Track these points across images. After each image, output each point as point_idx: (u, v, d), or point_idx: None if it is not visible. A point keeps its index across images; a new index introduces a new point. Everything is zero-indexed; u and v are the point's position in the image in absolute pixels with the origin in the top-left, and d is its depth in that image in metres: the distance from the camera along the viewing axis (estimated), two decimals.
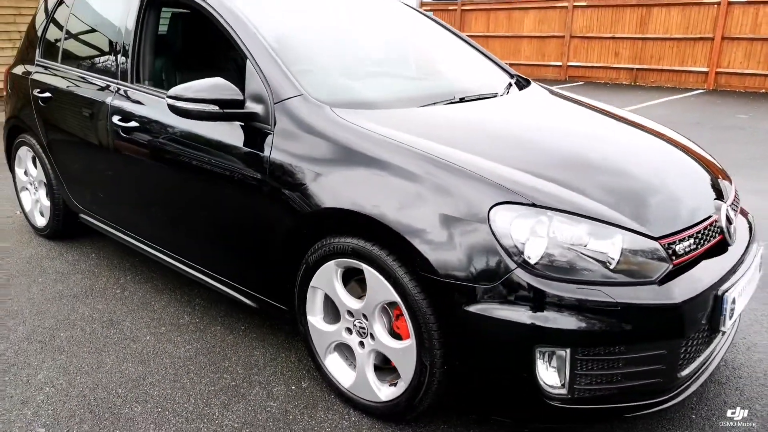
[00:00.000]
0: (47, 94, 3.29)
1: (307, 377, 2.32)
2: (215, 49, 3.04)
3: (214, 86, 2.17)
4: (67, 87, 3.18)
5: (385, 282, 1.87)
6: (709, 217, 1.95)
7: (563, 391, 1.72)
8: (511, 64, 14.32)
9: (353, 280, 2.09)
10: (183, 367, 2.39)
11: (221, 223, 2.42)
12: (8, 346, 2.55)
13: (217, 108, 2.16)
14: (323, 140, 2.05)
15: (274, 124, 2.16)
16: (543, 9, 14.60)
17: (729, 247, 2.00)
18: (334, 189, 1.98)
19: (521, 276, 1.66)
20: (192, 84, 2.17)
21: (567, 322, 1.64)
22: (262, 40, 2.30)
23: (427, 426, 2.03)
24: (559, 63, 14.45)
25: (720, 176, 2.30)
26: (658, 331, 1.71)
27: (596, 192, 1.84)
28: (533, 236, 1.69)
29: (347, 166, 1.98)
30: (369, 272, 1.91)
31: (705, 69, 12.35)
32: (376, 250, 1.87)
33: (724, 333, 1.96)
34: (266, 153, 2.15)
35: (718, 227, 1.97)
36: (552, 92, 2.96)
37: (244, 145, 2.23)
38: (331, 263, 2.02)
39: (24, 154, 3.69)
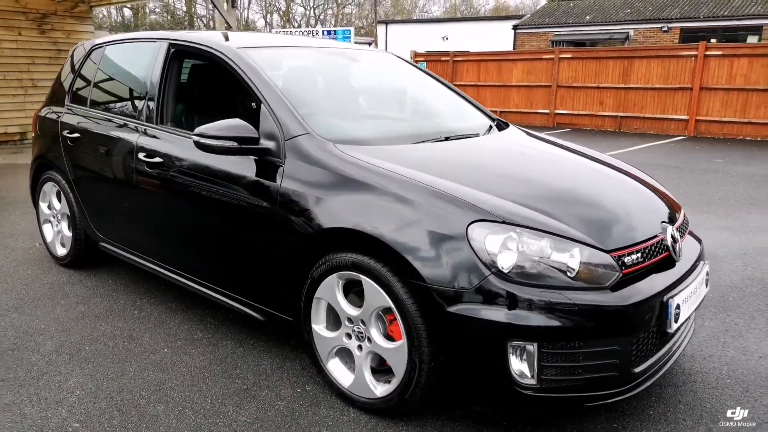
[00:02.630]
0: (76, 135, 3.66)
1: (311, 382, 2.60)
2: (229, 95, 3.43)
3: (233, 126, 2.53)
4: (95, 128, 3.55)
5: (381, 290, 2.18)
6: (656, 236, 2.29)
7: (533, 382, 2.01)
8: (501, 112, 14.99)
9: (351, 293, 2.40)
10: (199, 374, 2.67)
11: (236, 245, 2.74)
12: (39, 358, 2.82)
13: (236, 144, 2.52)
14: (326, 171, 2.40)
15: (285, 157, 2.51)
16: (530, 61, 15.32)
17: (676, 263, 2.33)
18: (336, 212, 2.32)
19: (494, 282, 1.98)
20: (215, 123, 2.53)
21: (533, 319, 1.95)
22: (275, 87, 2.68)
23: (416, 421, 2.31)
24: (547, 111, 15.08)
25: (671, 204, 2.65)
26: (610, 329, 2.02)
27: (559, 213, 2.17)
28: (504, 249, 2.02)
29: (347, 192, 2.32)
30: (366, 282, 2.23)
31: (685, 117, 12.95)
32: (373, 263, 2.19)
33: (672, 335, 2.27)
34: (278, 182, 2.50)
35: (664, 245, 2.31)
36: (528, 133, 3.34)
37: (257, 176, 2.57)
38: (334, 276, 2.34)
39: (49, 189, 4.03)
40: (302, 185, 2.44)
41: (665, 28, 22.08)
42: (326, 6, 53.98)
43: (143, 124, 3.22)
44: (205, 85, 3.51)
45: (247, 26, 54.08)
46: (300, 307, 2.52)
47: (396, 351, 2.20)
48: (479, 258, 2.01)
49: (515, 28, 25.42)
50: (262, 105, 2.65)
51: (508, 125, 3.42)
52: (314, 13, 53.67)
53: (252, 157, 2.62)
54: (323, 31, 33.98)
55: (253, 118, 2.68)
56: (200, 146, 2.56)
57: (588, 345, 2.00)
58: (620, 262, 2.10)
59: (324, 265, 2.36)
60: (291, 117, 2.57)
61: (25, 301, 3.50)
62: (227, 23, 9.08)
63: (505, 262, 2.01)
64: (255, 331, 3.07)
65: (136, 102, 3.35)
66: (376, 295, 2.21)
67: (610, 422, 2.30)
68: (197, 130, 2.55)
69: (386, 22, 34.21)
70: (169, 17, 47.77)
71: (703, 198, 6.54)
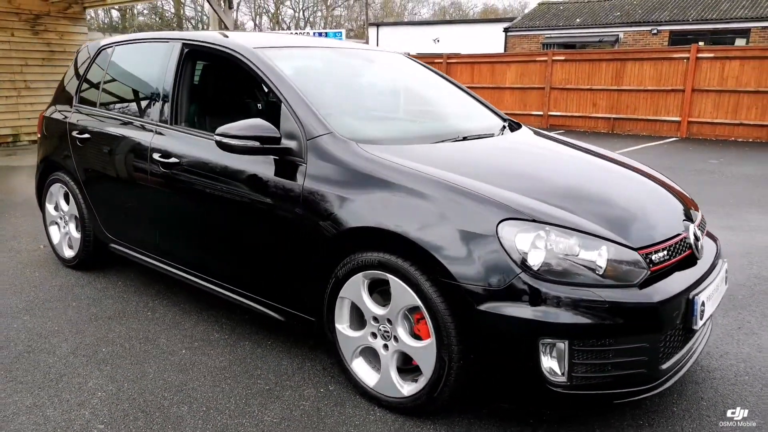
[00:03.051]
0: (85, 135, 3.63)
1: (333, 382, 2.59)
2: (244, 95, 3.42)
3: (255, 126, 2.52)
4: (105, 129, 3.52)
5: (408, 289, 2.18)
6: (679, 234, 2.32)
7: (563, 379, 2.02)
8: None
9: (375, 292, 2.40)
10: (219, 375, 2.65)
11: (256, 245, 2.73)
12: (56, 360, 2.80)
13: (258, 144, 2.51)
14: (350, 170, 2.40)
15: (307, 157, 2.51)
16: (524, 63, 15.41)
17: (697, 261, 2.36)
18: (361, 211, 2.32)
19: (525, 279, 1.99)
20: (237, 123, 2.52)
21: (565, 317, 1.97)
22: (295, 87, 2.68)
23: (443, 419, 2.31)
24: (541, 112, 15.16)
25: (688, 204, 2.68)
26: (640, 326, 2.04)
27: (584, 212, 2.19)
28: (534, 247, 2.03)
29: (372, 192, 2.32)
30: (393, 281, 2.23)
31: (677, 118, 13.09)
32: (400, 262, 2.20)
33: (696, 331, 2.29)
34: (300, 182, 2.50)
35: (687, 243, 2.33)
36: (540, 134, 3.36)
37: (278, 176, 2.57)
38: (359, 275, 2.34)
39: (56, 190, 3.99)
40: (326, 184, 2.43)
41: (654, 31, 22.28)
42: (315, 8, 53.96)
43: (157, 125, 3.20)
44: (220, 85, 3.50)
45: (237, 28, 53.89)
46: (323, 307, 2.51)
47: (424, 350, 2.20)
48: (510, 256, 2.02)
49: (506, 30, 25.54)
50: (282, 105, 2.65)
51: (520, 125, 3.44)
52: (303, 15, 53.65)
53: (272, 157, 2.61)
54: (314, 33, 34.07)
55: (270, 117, 2.67)
56: (222, 146, 2.55)
57: (618, 342, 2.01)
58: (648, 260, 2.11)
59: (349, 265, 2.36)
60: (312, 117, 2.57)
61: (36, 303, 3.46)
62: (225, 25, 9.04)
63: (535, 260, 2.02)
64: (272, 332, 3.06)
65: (149, 102, 3.32)
66: (403, 293, 2.21)
67: (635, 419, 2.32)
68: (219, 129, 2.54)
69: (377, 25, 34.26)
70: (158, 19, 47.54)
71: (701, 198, 6.58)
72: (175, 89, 3.17)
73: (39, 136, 4.18)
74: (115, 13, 45.71)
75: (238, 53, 2.90)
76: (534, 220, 2.07)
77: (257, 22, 52.96)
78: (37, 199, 4.29)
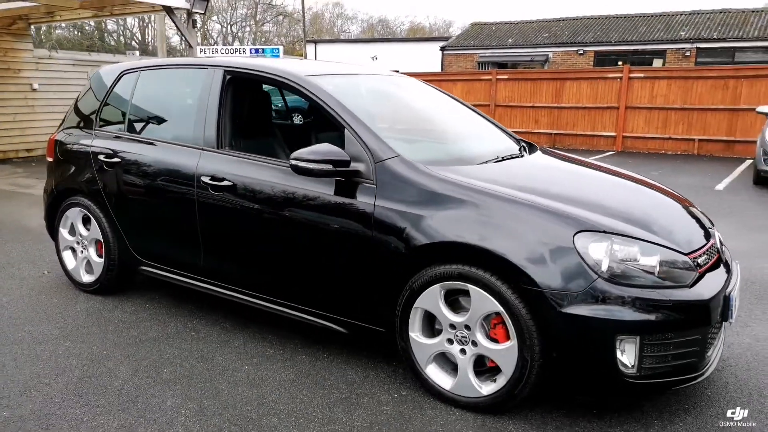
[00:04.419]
0: (115, 159, 3.65)
1: (403, 387, 2.78)
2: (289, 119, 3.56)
3: (327, 150, 2.71)
4: (139, 152, 3.56)
5: (489, 297, 2.42)
6: (710, 240, 2.68)
7: (633, 371, 2.32)
8: None
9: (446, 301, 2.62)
10: (293, 388, 2.78)
11: (323, 263, 2.89)
12: (122, 382, 2.83)
13: (331, 167, 2.69)
14: (422, 189, 2.62)
15: (376, 179, 2.71)
16: (470, 81, 16.07)
17: (721, 263, 2.73)
18: (437, 227, 2.54)
19: (601, 284, 2.28)
20: (310, 149, 2.70)
21: (637, 316, 2.27)
22: (355, 113, 2.88)
23: (518, 414, 2.55)
24: None
25: (704, 215, 3.07)
26: (696, 320, 2.37)
27: (636, 224, 2.51)
28: (604, 254, 2.32)
29: (448, 209, 2.55)
30: (474, 290, 2.46)
31: (613, 134, 14.05)
32: (481, 273, 2.43)
33: (731, 323, 2.65)
34: (371, 202, 2.69)
35: (715, 248, 2.70)
36: (548, 151, 3.68)
37: (348, 196, 2.75)
38: (436, 286, 2.56)
39: (74, 215, 3.95)
40: (398, 204, 2.64)
41: (581, 51, 23.69)
42: (244, 23, 53.46)
43: (202, 148, 3.28)
44: (265, 110, 3.63)
45: (166, 42, 52.47)
46: (395, 318, 2.70)
47: (505, 351, 2.44)
48: (586, 263, 2.30)
49: (443, 49, 26.40)
50: (345, 131, 2.84)
51: (533, 146, 3.75)
52: (231, 30, 53.03)
53: (337, 178, 2.78)
54: (251, 49, 33.76)
55: (324, 140, 2.86)
56: (298, 169, 2.71)
57: (678, 336, 2.33)
58: (695, 263, 2.46)
59: (425, 277, 2.57)
60: (378, 141, 2.78)
61: (71, 329, 3.44)
62: (189, 44, 8.99)
63: (606, 266, 2.31)
64: (322, 345, 3.20)
65: (190, 126, 3.40)
66: (484, 301, 2.44)
67: (680, 404, 2.65)
68: (295, 154, 2.70)
69: (315, 41, 34.49)
70: (77, 33, 45.63)
71: None
72: (220, 113, 3.28)
73: (51, 160, 4.13)
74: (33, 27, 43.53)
75: (293, 81, 3.07)
76: (604, 231, 2.37)
77: (182, 38, 51.85)
78: (47, 224, 4.22)
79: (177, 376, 2.89)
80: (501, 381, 2.48)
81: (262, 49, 33.15)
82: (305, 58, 32.87)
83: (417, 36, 51.29)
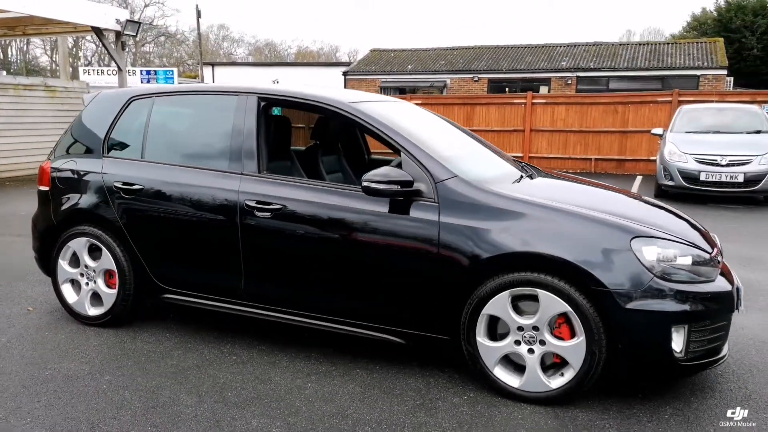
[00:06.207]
0: (136, 186, 3.56)
1: (468, 390, 3.00)
2: (331, 143, 3.71)
3: (394, 173, 2.93)
4: (167, 179, 3.51)
5: (558, 299, 2.73)
6: (717, 241, 3.19)
7: (682, 355, 2.72)
8: (373, 152, 15.97)
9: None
10: (366, 399, 2.90)
11: (387, 279, 3.05)
12: (192, 409, 2.79)
13: (398, 187, 2.90)
14: (485, 206, 2.90)
15: (438, 197, 2.94)
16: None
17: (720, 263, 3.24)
18: (502, 239, 2.82)
19: (657, 282, 2.67)
20: (379, 171, 2.91)
21: (687, 307, 2.68)
22: (408, 137, 3.11)
23: (581, 403, 2.85)
24: None
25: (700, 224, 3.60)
26: (725, 308, 2.83)
27: (664, 230, 2.94)
28: (655, 256, 2.71)
29: (511, 222, 2.84)
30: (543, 294, 2.76)
31: (520, 154, 15.14)
32: (550, 278, 2.74)
33: (740, 311, 3.14)
34: (435, 219, 2.92)
35: (720, 249, 3.21)
36: (557, 175, 4.10)
37: (410, 214, 2.96)
38: (505, 293, 2.82)
39: (79, 245, 3.77)
40: (462, 219, 2.89)
41: (476, 78, 25.24)
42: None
43: (243, 173, 3.33)
44: (289, 135, 3.71)
45: (27, 63, 48.63)
46: (461, 325, 2.93)
47: (574, 348, 2.75)
48: (643, 265, 2.68)
49: (345, 74, 26.96)
50: (402, 153, 3.06)
51: (537, 168, 4.13)
52: (107, 50, 50.45)
53: (396, 198, 2.98)
54: (142, 70, 32.31)
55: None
56: (369, 190, 2.89)
57: (713, 322, 2.78)
58: (716, 261, 2.92)
59: (492, 285, 2.83)
60: (436, 163, 3.02)
61: (101, 364, 3.29)
62: (119, 66, 8.65)
63: (657, 267, 2.70)
64: (372, 358, 3.33)
65: (224, 151, 3.42)
66: (552, 303, 2.75)
67: (681, 404, 3.08)
68: (366, 176, 2.89)
69: (212, 64, 33.76)
70: None
71: None
72: (259, 139, 3.36)
73: (46, 189, 3.91)
74: None
75: (340, 108, 3.24)
76: (652, 236, 2.77)
77: (53, 58, 48.52)
78: (41, 257, 3.98)
79: (245, 399, 2.90)
80: (569, 374, 2.78)
81: (155, 71, 31.92)
82: (202, 80, 32.04)
83: (306, 60, 51.91)
